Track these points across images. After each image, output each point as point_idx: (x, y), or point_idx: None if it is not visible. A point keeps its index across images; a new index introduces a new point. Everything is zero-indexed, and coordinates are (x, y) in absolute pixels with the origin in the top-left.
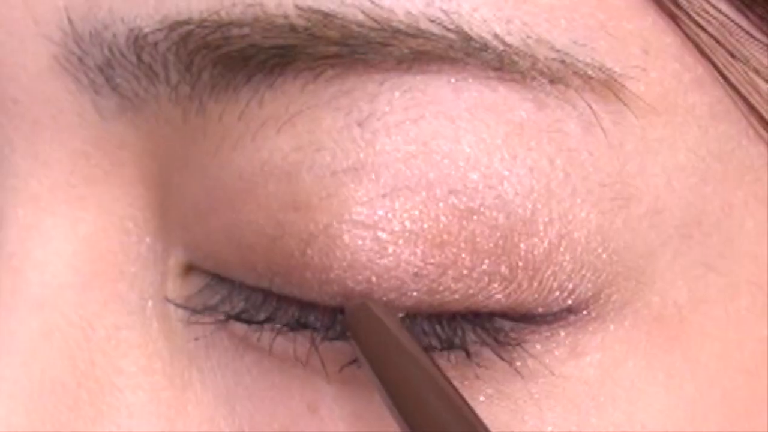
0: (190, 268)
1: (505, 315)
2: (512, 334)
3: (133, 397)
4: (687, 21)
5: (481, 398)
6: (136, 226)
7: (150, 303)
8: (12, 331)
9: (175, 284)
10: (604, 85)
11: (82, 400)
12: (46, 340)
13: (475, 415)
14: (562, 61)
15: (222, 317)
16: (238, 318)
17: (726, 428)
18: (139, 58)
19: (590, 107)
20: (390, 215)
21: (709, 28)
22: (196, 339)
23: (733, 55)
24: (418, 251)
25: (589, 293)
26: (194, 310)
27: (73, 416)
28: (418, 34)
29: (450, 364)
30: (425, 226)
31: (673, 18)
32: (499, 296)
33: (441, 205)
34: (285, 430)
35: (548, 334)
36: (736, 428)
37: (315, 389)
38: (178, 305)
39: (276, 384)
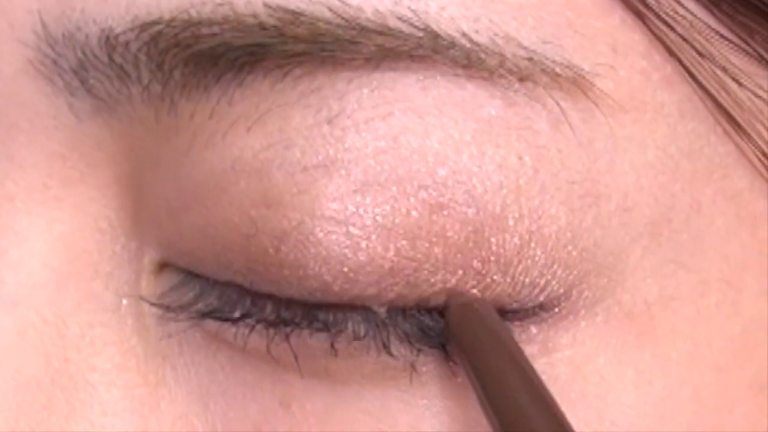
0: (164, 267)
1: None
2: None
3: (107, 395)
4: (654, 20)
5: (450, 393)
6: (110, 225)
7: (124, 301)
8: None
9: (149, 282)
10: (573, 83)
11: (56, 397)
12: (20, 338)
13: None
14: (531, 59)
15: (195, 315)
16: (211, 315)
17: (696, 425)
18: (111, 58)
19: (559, 105)
20: (361, 210)
21: (677, 27)
22: (170, 336)
23: (701, 54)
24: (391, 246)
25: (561, 290)
26: (168, 307)
27: (47, 414)
28: (386, 32)
29: (422, 359)
30: (396, 220)
31: (640, 16)
32: (474, 291)
33: (411, 200)
34: (257, 427)
35: (520, 330)
36: (705, 425)
37: (286, 385)
38: (151, 303)
39: (248, 381)
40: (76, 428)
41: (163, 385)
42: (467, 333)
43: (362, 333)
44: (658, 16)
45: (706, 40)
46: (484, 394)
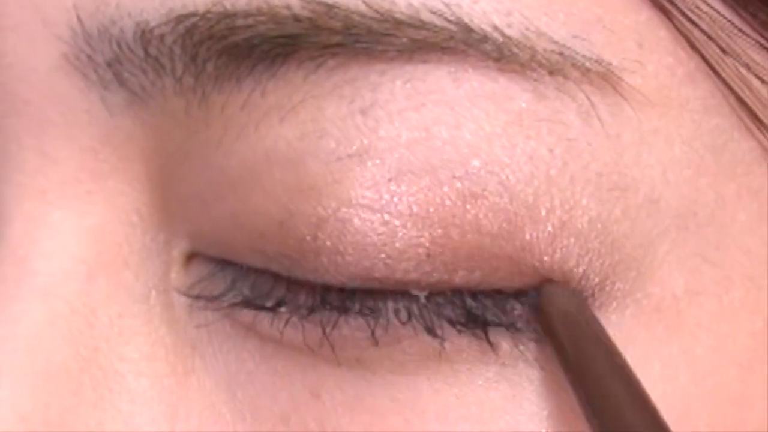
0: (193, 258)
1: (516, 298)
2: (522, 318)
3: (135, 383)
4: (679, 16)
5: (480, 382)
6: (140, 218)
7: (153, 292)
8: (17, 318)
9: (178, 274)
10: (602, 77)
11: (85, 385)
12: (50, 327)
13: (655, 409)
14: (561, 54)
15: (226, 305)
16: (245, 305)
17: (718, 420)
18: (146, 51)
19: (588, 99)
20: (396, 199)
21: (701, 24)
22: (199, 326)
23: (724, 51)
24: (426, 234)
25: (596, 279)
26: (198, 297)
27: (76, 401)
28: (419, 25)
29: (454, 347)
30: (431, 209)
31: (666, 13)
32: (511, 279)
33: (445, 188)
34: (286, 416)
35: None
36: (727, 420)
37: (317, 374)
38: (181, 293)
39: (278, 370)
40: (104, 416)
41: (191, 374)
42: (556, 317)
43: (405, 318)
44: (683, 14)
45: (730, 37)
46: (575, 378)
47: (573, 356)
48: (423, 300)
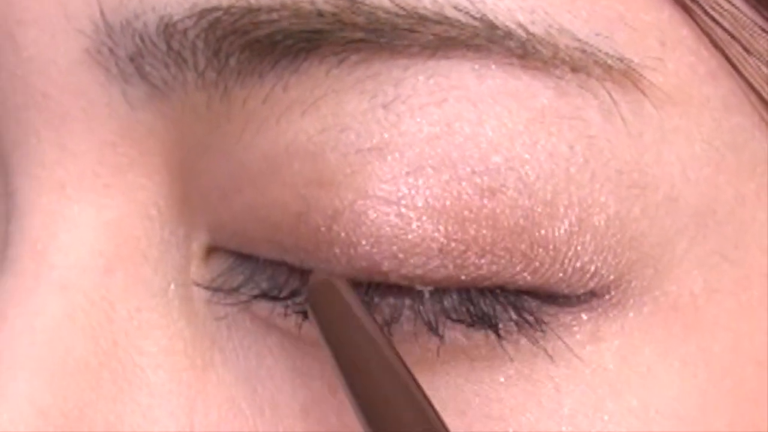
0: (212, 251)
1: (530, 294)
2: (537, 314)
3: (154, 377)
4: (702, 15)
5: (501, 379)
6: (159, 212)
7: (172, 286)
8: (36, 311)
9: (198, 267)
10: (624, 74)
11: (104, 379)
12: (69, 320)
13: (426, 398)
14: (584, 51)
15: (245, 298)
16: (263, 297)
17: (736, 417)
18: (168, 45)
19: (610, 96)
20: (413, 192)
21: (724, 23)
22: (218, 320)
23: (746, 50)
24: (441, 228)
25: (611, 277)
26: (217, 290)
27: (95, 395)
28: (443, 21)
29: (472, 343)
30: (447, 203)
31: (688, 11)
32: (524, 275)
33: (464, 184)
34: (306, 412)
35: (571, 317)
36: (745, 418)
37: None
38: (201, 287)
39: (298, 366)
40: (123, 409)
41: (210, 368)
42: (325, 309)
43: (410, 314)
44: (706, 12)
45: (752, 36)
46: (339, 369)
47: (341, 351)
48: (427, 296)
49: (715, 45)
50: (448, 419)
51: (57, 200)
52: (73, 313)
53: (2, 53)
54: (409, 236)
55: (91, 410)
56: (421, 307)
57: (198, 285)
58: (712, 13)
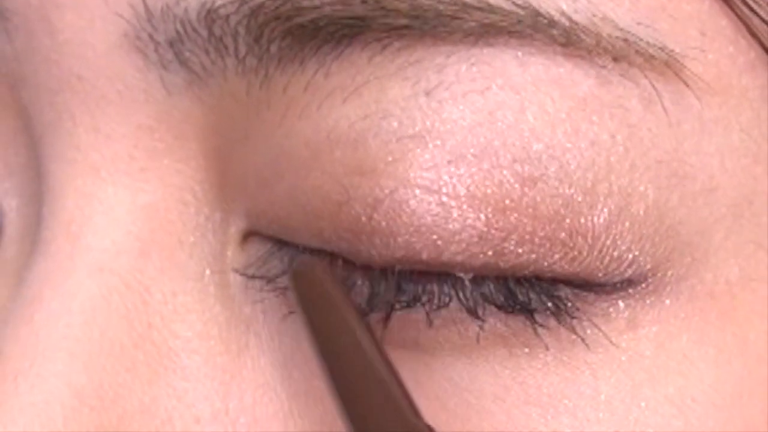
0: (250, 237)
1: (567, 282)
2: (574, 302)
3: (189, 361)
4: (740, 5)
5: (539, 366)
6: (194, 197)
7: (208, 271)
8: (72, 293)
9: (235, 252)
10: (665, 64)
11: (139, 361)
12: (105, 302)
13: (401, 383)
14: (626, 40)
15: (282, 284)
16: None
17: None
18: (209, 31)
19: (652, 85)
20: (455, 180)
21: (762, 13)
22: (254, 304)
23: None
24: (482, 216)
25: (648, 266)
26: (253, 276)
27: (130, 377)
28: (487, 8)
29: (510, 330)
30: (488, 191)
31: (727, 2)
32: (561, 263)
33: (505, 172)
34: None
35: (608, 304)
36: None
37: None
38: (237, 272)
39: None
40: (158, 392)
41: (245, 353)
42: (306, 292)
43: (450, 301)
44: (744, 2)
45: None
46: (321, 355)
47: (320, 333)
48: (468, 283)
49: (753, 35)
50: (486, 404)
51: (92, 182)
52: (109, 296)
53: (36, 36)
54: (450, 225)
55: (126, 392)
56: (461, 293)
57: (235, 270)
58: (750, 2)
